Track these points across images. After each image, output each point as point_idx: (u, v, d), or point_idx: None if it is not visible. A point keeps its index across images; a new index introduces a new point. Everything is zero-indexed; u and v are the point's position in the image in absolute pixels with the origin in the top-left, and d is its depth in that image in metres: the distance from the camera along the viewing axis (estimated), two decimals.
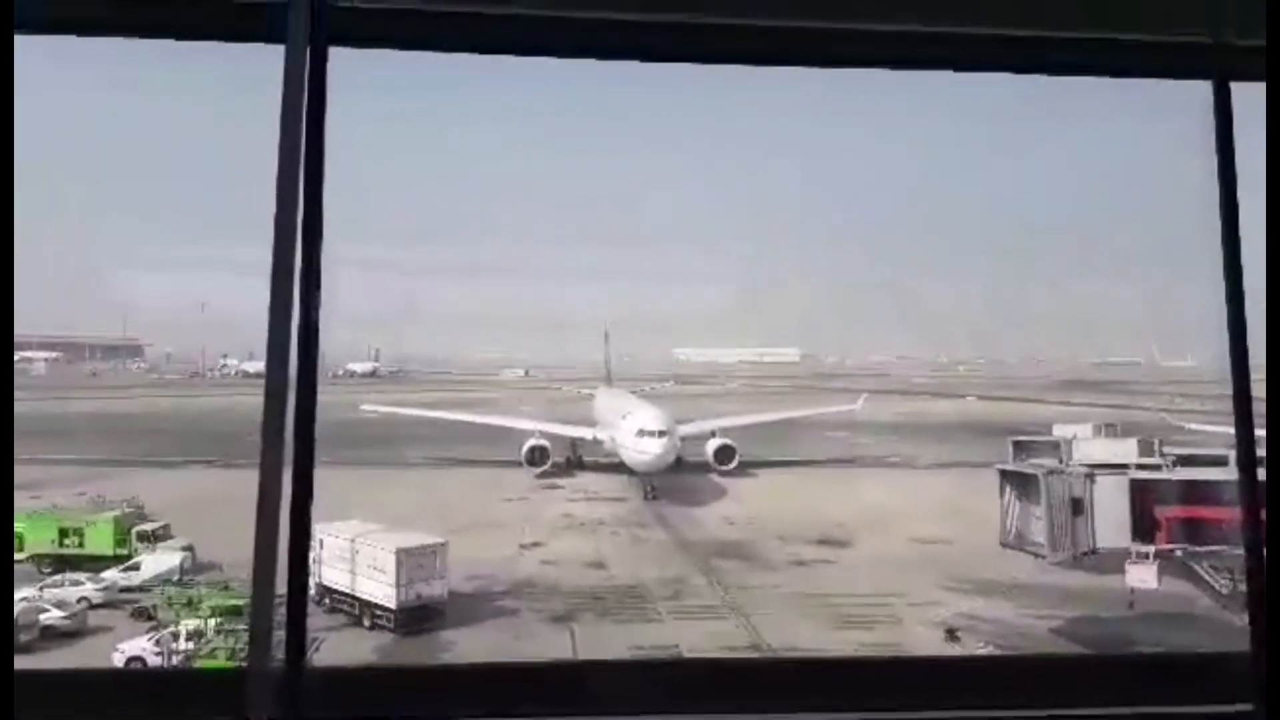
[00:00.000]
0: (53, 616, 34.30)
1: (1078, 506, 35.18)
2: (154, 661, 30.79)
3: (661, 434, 53.39)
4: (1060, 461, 37.45)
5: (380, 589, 35.52)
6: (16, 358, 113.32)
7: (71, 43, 4.28)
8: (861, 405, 73.68)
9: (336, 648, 31.76)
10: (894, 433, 71.17)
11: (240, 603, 32.67)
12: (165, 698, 3.93)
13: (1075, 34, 4.07)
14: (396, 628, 35.03)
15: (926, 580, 38.67)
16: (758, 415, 70.49)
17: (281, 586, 3.10)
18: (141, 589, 37.53)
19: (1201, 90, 4.09)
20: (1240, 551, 4.52)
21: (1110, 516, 34.60)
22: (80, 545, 40.49)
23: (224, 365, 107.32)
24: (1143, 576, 34.12)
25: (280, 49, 2.98)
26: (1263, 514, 3.88)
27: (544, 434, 60.12)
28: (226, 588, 34.78)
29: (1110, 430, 41.49)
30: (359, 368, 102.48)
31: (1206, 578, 36.07)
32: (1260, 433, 4.11)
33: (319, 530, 35.48)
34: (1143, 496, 34.90)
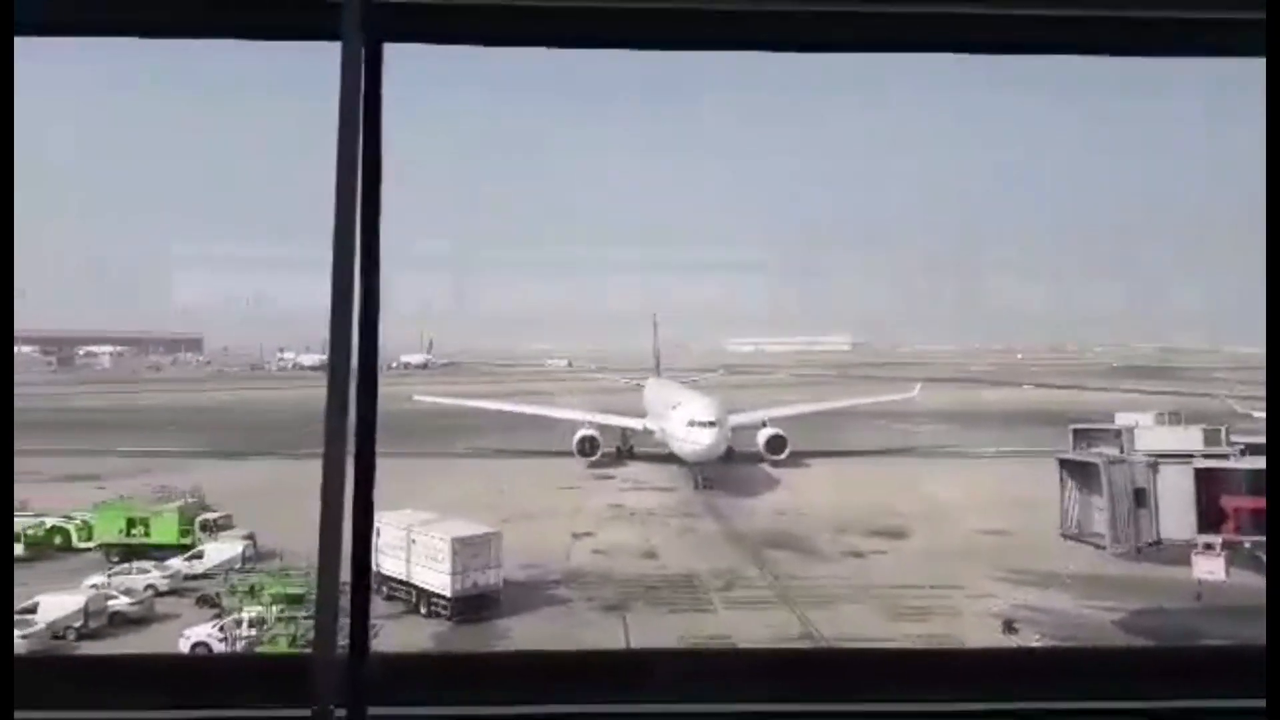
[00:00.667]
0: (121, 603, 35.37)
1: (1141, 496, 34.41)
2: (218, 648, 31.59)
3: (712, 424, 53.26)
4: (1122, 450, 36.61)
5: (436, 578, 36.01)
6: (82, 352, 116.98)
7: (121, 44, 4.34)
8: (918, 393, 72.81)
9: (395, 635, 32.29)
10: (950, 421, 70.21)
11: (300, 590, 33.38)
12: (232, 684, 4.00)
13: (1120, 12, 3.94)
14: (452, 616, 35.51)
15: (984, 572, 38.13)
16: (809, 405, 69.99)
17: (344, 575, 3.13)
18: (205, 577, 38.53)
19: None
20: None
21: (1175, 506, 33.79)
22: (146, 535, 41.66)
23: (281, 358, 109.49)
24: (1210, 568, 33.26)
25: (335, 46, 3.00)
26: None
27: (594, 424, 60.39)
28: (287, 575, 35.55)
29: (1174, 418, 40.38)
30: (413, 359, 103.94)
31: None
32: None
33: (376, 520, 36.02)
34: (1209, 486, 34.01)
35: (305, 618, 32.02)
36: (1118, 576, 36.57)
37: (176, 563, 39.32)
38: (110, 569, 38.88)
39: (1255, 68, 3.81)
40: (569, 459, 57.18)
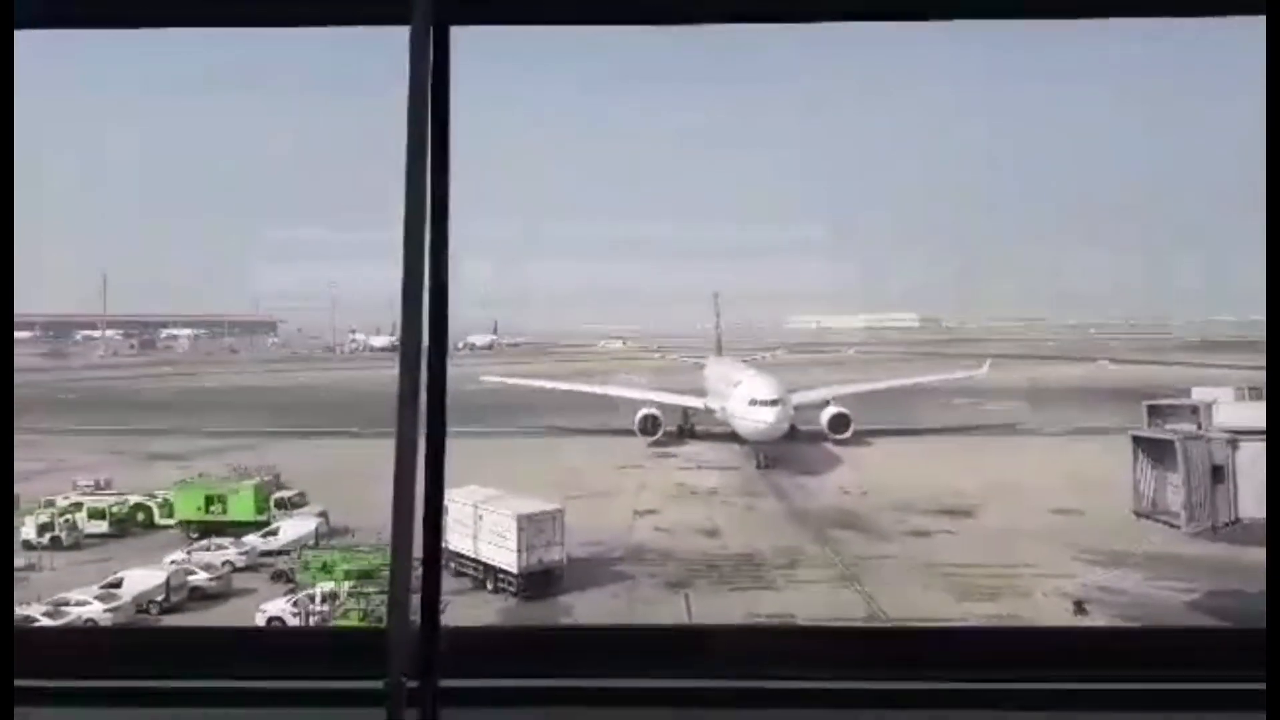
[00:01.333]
0: (200, 579, 36.66)
1: (1218, 474, 33.37)
2: (292, 622, 32.57)
3: (774, 403, 52.94)
4: (1199, 427, 35.51)
5: (502, 554, 36.58)
6: (162, 335, 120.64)
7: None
8: (987, 370, 71.37)
9: (464, 610, 32.95)
10: (1021, 398, 68.65)
11: (370, 566, 34.23)
12: (308, 656, 4.15)
13: None
14: (518, 592, 36.07)
15: (1054, 551, 37.42)
16: (874, 383, 69.09)
17: (416, 551, 3.23)
18: (280, 553, 39.67)
19: None
20: None
21: (1255, 484, 32.68)
22: (224, 512, 43.00)
23: (353, 340, 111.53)
24: None
25: (403, 30, 3.06)
26: None
27: (655, 403, 60.49)
28: (359, 552, 36.44)
29: (1254, 393, 38.98)
30: (479, 340, 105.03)
31: None
32: None
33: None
34: None
35: (376, 593, 32.82)
36: (1193, 556, 35.60)
37: (252, 539, 40.54)
38: (190, 545, 40.29)
39: None
40: (630, 438, 57.41)
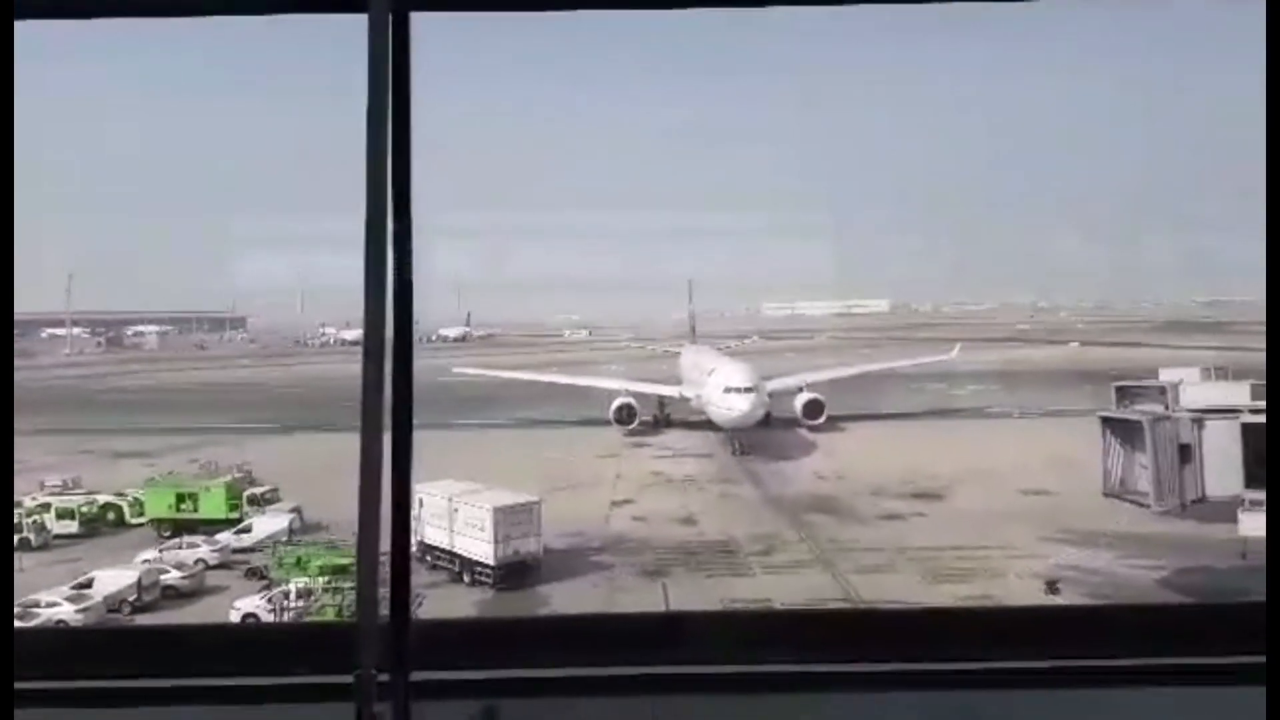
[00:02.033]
0: (172, 577, 36.31)
1: (1186, 453, 34.02)
2: (267, 618, 32.33)
3: (748, 390, 53.17)
4: (1166, 407, 36.14)
5: (478, 546, 36.52)
6: (129, 332, 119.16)
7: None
8: (956, 354, 72.00)
9: (440, 602, 32.86)
10: (991, 382, 69.42)
11: (346, 561, 34.04)
12: (279, 651, 4.11)
13: None
14: (495, 583, 36.04)
15: (1026, 532, 37.85)
16: (847, 368, 69.53)
17: (385, 544, 3.20)
18: (253, 550, 39.38)
19: None
20: None
21: (1221, 463, 33.36)
22: (195, 510, 42.58)
23: (323, 334, 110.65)
24: (1257, 525, 32.80)
25: (362, 19, 3.01)
26: None
27: (630, 393, 60.53)
28: (333, 547, 36.22)
29: (1220, 373, 39.69)
30: (451, 332, 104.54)
31: None
32: None
33: (417, 490, 36.60)
34: (1256, 441, 33.48)
35: (351, 588, 32.63)
36: (1161, 535, 36.19)
37: (225, 537, 40.20)
38: (161, 544, 39.88)
39: None
40: (606, 427, 57.44)
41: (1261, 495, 32.97)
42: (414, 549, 36.09)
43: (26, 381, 74.37)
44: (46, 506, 41.96)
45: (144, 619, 33.26)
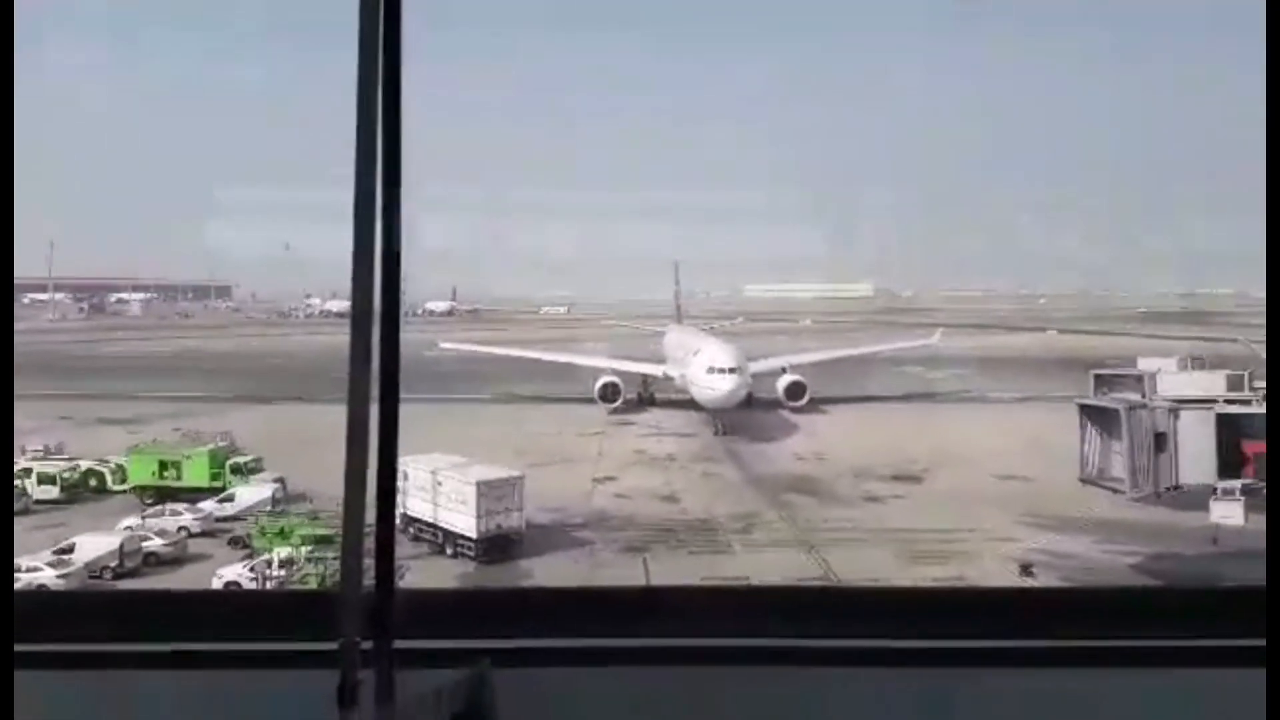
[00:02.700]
0: (155, 544, 36.30)
1: (1161, 442, 34.41)
2: (249, 587, 32.38)
3: (732, 371, 53.33)
4: (1143, 396, 36.49)
5: (461, 519, 36.63)
6: (114, 299, 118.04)
7: None
8: (938, 339, 72.33)
9: (422, 574, 33.00)
10: (971, 367, 69.79)
11: (329, 532, 34.09)
12: (261, 619, 4.19)
13: None
14: (477, 556, 36.19)
15: (1002, 516, 38.27)
16: (829, 351, 69.76)
17: (370, 514, 3.29)
18: (236, 519, 39.36)
19: None
20: None
21: (1195, 451, 33.79)
22: (178, 478, 42.48)
23: (308, 304, 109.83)
24: (1228, 513, 33.27)
25: None
26: None
27: (615, 371, 60.56)
28: (316, 518, 36.26)
29: (1197, 363, 40.08)
30: (437, 307, 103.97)
31: None
32: None
33: (402, 463, 36.56)
34: (1230, 431, 33.91)
35: (334, 558, 32.55)
36: (1135, 521, 36.66)
37: (208, 505, 40.17)
38: (144, 511, 39.82)
39: None
40: (590, 405, 57.52)
41: (1233, 484, 33.45)
42: (398, 521, 36.28)
43: None
44: (28, 471, 41.78)
45: (126, 585, 33.26)
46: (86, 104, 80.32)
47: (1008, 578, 32.62)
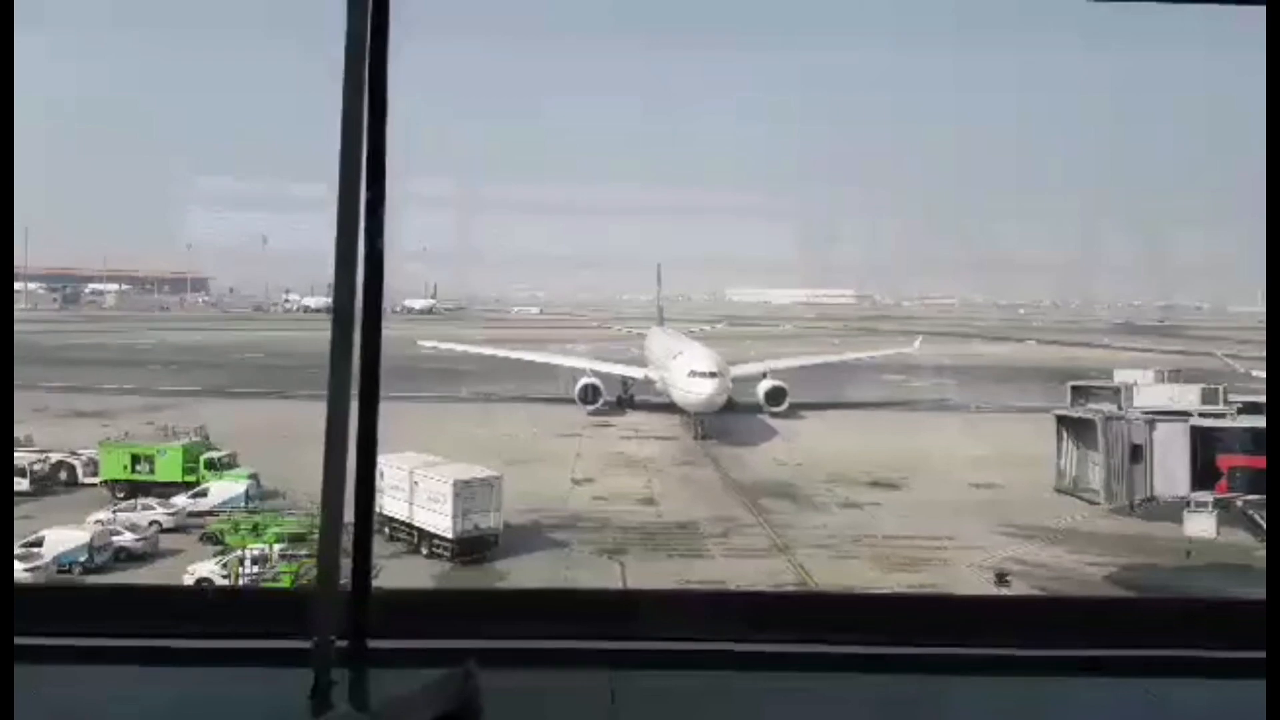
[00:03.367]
0: (126, 539, 35.84)
1: (1137, 453, 34.63)
2: (221, 583, 32.02)
3: (713, 375, 53.37)
4: (1120, 407, 36.73)
5: (438, 519, 36.40)
6: (88, 289, 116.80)
7: None
8: (918, 347, 72.74)
9: (396, 574, 32.74)
10: (950, 376, 70.24)
11: (302, 530, 33.81)
12: (234, 616, 4.12)
13: None
14: (453, 557, 35.98)
15: (978, 524, 38.47)
16: (810, 357, 70.00)
17: (348, 513, 3.23)
18: (209, 514, 38.95)
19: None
20: None
21: (1170, 464, 34.02)
22: (151, 472, 42.00)
23: (286, 300, 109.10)
24: (1201, 525, 33.57)
25: None
26: None
27: (596, 372, 60.50)
28: (290, 515, 35.93)
29: (1174, 375, 40.45)
30: (417, 304, 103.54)
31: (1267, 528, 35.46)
32: None
33: (380, 462, 36.25)
34: (1204, 444, 34.20)
35: (307, 556, 32.41)
36: (1110, 532, 36.93)
37: (181, 500, 39.74)
38: (115, 505, 39.32)
39: None
40: (570, 406, 57.41)
41: (1206, 497, 33.75)
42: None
43: None
44: None
45: (95, 581, 32.82)
46: (59, 89, 79.56)
47: (983, 585, 32.78)
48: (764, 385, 59.12)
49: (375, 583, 3.72)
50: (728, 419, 54.90)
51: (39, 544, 33.56)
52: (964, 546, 36.67)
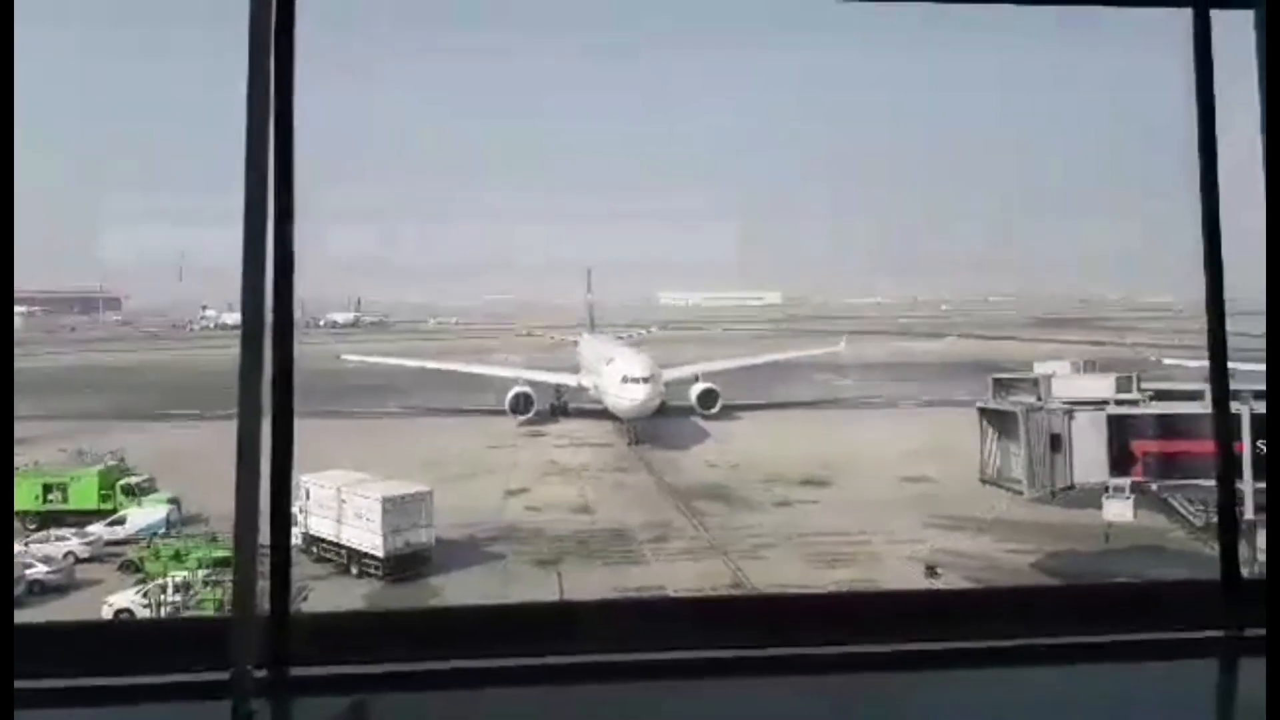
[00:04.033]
0: (39, 571, 34.38)
1: (1056, 443, 35.57)
2: (143, 614, 30.98)
3: (645, 380, 53.48)
4: (1039, 398, 37.73)
5: (367, 537, 35.75)
6: None
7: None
8: (844, 347, 73.95)
9: (325, 596, 32.03)
10: (877, 373, 71.57)
11: (226, 554, 32.83)
12: (153, 648, 3.93)
13: None
14: (384, 575, 35.35)
15: (908, 518, 39.27)
16: (740, 359, 70.60)
17: (265, 536, 3.09)
18: (128, 542, 37.62)
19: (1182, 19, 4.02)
20: (1213, 483, 4.59)
21: (1088, 452, 35.04)
22: (64, 501, 40.43)
23: (203, 317, 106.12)
24: (1118, 510, 34.65)
25: None
26: (1235, 447, 3.97)
27: (527, 381, 60.12)
28: (213, 539, 34.91)
29: (1090, 366, 41.79)
30: (341, 317, 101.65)
31: (1181, 510, 36.83)
32: (1235, 366, 4.15)
33: (305, 480, 35.54)
34: (1120, 431, 35.34)
35: (231, 581, 31.52)
36: (1033, 520, 37.97)
37: (97, 528, 38.30)
38: (27, 537, 37.69)
39: None
40: (501, 417, 56.92)
41: (1123, 482, 34.89)
42: (299, 540, 35.15)
43: None
44: None
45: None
46: None
47: (914, 578, 33.43)
48: (696, 388, 59.47)
49: (304, 606, 3.58)
50: (661, 423, 55.03)
51: None
52: (896, 540, 37.36)
